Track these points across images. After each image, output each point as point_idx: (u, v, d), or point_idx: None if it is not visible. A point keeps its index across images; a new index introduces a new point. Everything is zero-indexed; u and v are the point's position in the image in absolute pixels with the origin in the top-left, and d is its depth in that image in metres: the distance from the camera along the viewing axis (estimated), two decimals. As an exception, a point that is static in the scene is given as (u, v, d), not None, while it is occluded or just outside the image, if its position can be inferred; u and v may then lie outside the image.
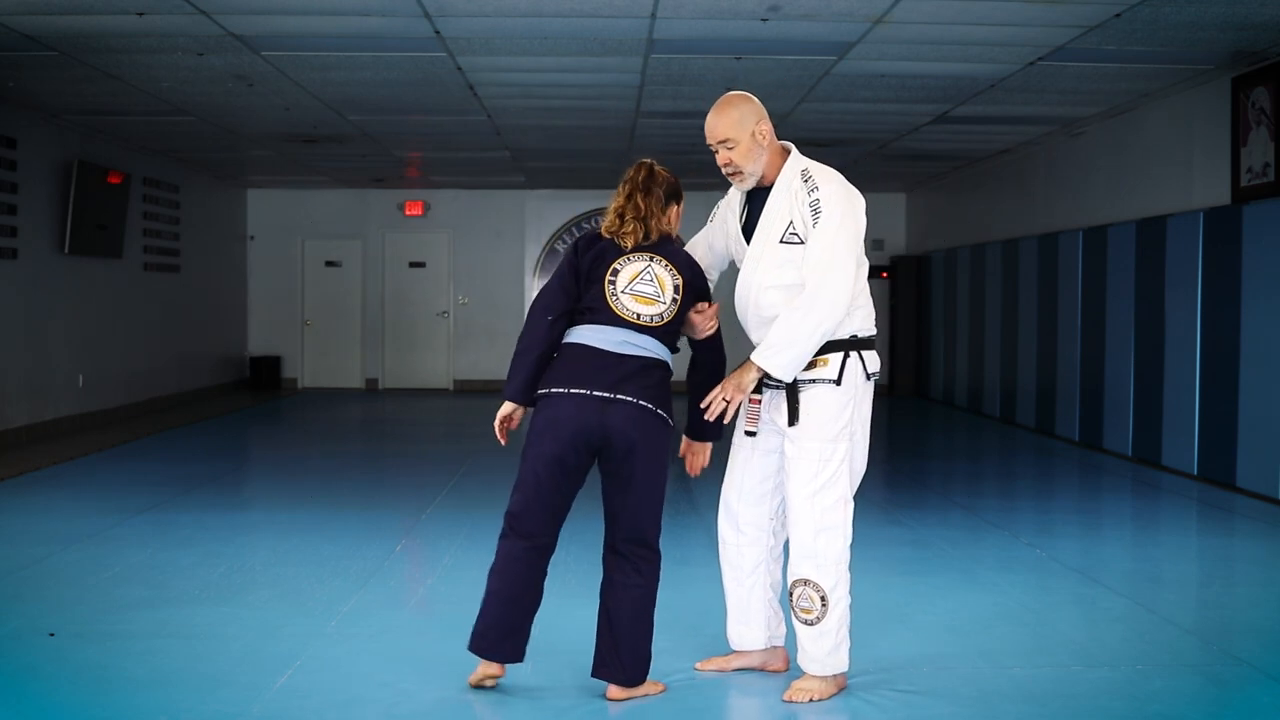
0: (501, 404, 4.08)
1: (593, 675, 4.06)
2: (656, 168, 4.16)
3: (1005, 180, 13.66)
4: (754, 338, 4.16)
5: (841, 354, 4.01)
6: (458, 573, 5.94)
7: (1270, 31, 7.58)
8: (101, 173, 12.03)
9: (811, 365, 4.00)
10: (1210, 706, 4.15)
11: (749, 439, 4.17)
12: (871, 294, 4.16)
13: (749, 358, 4.00)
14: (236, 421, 13.29)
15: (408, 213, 17.41)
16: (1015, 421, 12.81)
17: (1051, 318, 11.82)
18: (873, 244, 17.05)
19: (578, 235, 4.14)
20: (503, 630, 4.01)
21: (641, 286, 3.99)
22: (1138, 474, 9.45)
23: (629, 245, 4.03)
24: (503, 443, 4.14)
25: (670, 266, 4.05)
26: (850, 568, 4.08)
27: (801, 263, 3.96)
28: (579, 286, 4.04)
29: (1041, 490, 9.23)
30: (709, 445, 4.23)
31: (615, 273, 4.00)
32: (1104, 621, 5.19)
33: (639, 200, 4.06)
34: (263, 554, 6.32)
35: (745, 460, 4.20)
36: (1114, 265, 10.42)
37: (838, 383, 4.00)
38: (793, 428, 4.02)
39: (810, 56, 8.48)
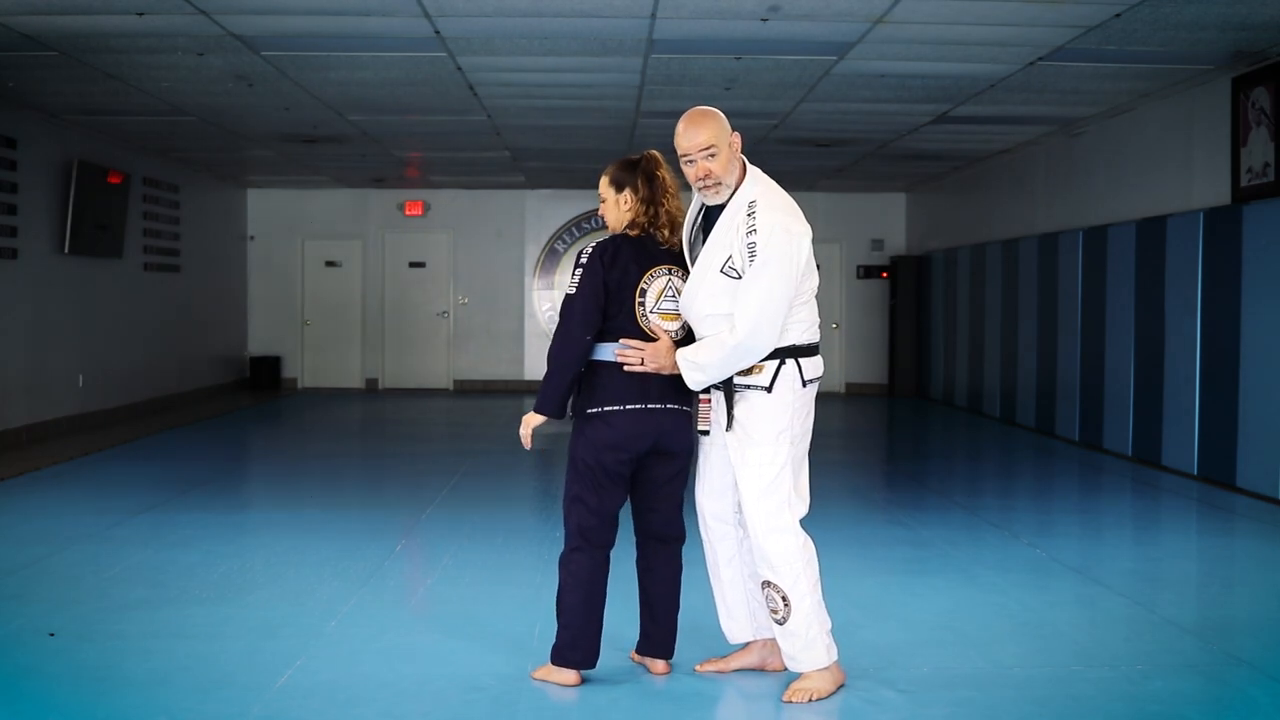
0: (529, 414, 4.17)
1: (640, 654, 4.33)
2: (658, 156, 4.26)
3: (1005, 180, 13.65)
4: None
5: (776, 362, 4.07)
6: (458, 573, 5.94)
7: (1270, 31, 7.58)
8: (101, 173, 12.03)
9: (747, 372, 4.07)
10: (1210, 706, 4.15)
11: (706, 436, 4.25)
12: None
13: (679, 353, 4.08)
14: (236, 421, 13.29)
15: (408, 213, 17.41)
16: (1015, 421, 12.80)
17: (1051, 318, 11.82)
18: (872, 244, 17.04)
19: (592, 246, 4.16)
20: (598, 638, 4.19)
21: (667, 304, 4.17)
22: (1138, 474, 9.45)
23: (663, 236, 4.15)
24: (529, 447, 4.23)
25: (685, 276, 4.18)
26: (821, 568, 4.13)
27: (735, 297, 4.01)
28: (608, 304, 4.11)
29: (1041, 490, 9.23)
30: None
31: (643, 292, 4.12)
32: (1104, 621, 5.20)
33: (658, 188, 4.18)
34: (263, 554, 6.32)
35: (705, 455, 4.28)
36: (1114, 265, 10.42)
37: (769, 390, 4.05)
38: (730, 433, 4.11)
39: (810, 56, 8.49)
